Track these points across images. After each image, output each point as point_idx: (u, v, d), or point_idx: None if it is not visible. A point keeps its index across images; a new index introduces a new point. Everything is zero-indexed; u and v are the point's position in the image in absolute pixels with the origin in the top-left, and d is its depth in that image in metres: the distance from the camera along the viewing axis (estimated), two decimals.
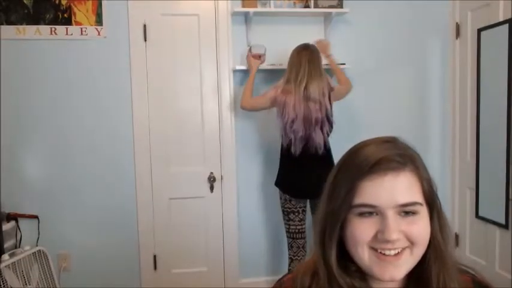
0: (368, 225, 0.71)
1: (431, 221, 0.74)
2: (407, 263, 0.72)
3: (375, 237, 0.71)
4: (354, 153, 0.76)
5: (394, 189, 0.70)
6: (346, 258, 0.76)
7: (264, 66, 2.82)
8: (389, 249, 0.71)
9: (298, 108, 2.40)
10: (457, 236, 3.12)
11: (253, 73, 2.69)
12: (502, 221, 2.61)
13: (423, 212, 0.73)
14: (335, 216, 0.74)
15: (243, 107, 2.66)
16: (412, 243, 0.71)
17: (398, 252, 0.71)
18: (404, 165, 0.72)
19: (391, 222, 0.70)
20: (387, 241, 0.70)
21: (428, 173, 0.76)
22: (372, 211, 0.71)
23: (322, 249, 0.76)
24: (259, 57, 2.72)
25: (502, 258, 2.66)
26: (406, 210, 0.71)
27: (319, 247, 0.77)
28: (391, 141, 0.76)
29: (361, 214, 0.72)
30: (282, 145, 2.56)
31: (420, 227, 0.72)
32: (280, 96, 2.46)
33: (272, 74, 2.92)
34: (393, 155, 0.72)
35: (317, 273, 0.77)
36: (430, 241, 0.74)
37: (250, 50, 2.74)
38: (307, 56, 2.46)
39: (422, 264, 0.75)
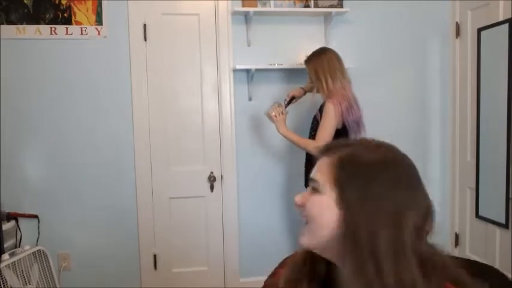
0: None
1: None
2: (308, 234, 0.80)
3: None
4: None
5: (317, 167, 0.82)
6: None
7: (264, 65, 2.82)
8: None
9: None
10: (457, 236, 3.12)
11: (289, 133, 2.46)
12: (502, 220, 2.61)
13: (320, 190, 0.78)
14: None
15: None
16: (307, 216, 0.80)
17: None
18: (330, 154, 0.81)
19: (302, 192, 0.83)
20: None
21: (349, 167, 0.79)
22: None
23: None
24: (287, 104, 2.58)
25: (502, 257, 2.66)
26: (311, 186, 0.81)
27: None
28: (370, 141, 0.84)
29: None
30: None
31: (313, 202, 0.79)
32: (342, 103, 2.33)
33: (271, 74, 2.92)
34: (331, 146, 0.83)
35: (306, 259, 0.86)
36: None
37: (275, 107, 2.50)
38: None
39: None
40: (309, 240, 0.80)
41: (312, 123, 2.53)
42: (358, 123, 2.42)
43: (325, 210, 0.76)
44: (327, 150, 0.82)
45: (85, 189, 2.80)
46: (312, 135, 2.47)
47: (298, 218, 0.82)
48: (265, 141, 2.99)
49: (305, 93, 2.67)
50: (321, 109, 2.42)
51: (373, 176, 0.75)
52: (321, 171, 0.79)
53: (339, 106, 2.32)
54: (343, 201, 0.75)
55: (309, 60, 2.47)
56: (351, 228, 0.73)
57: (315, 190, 0.79)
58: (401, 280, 0.70)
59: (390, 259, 0.70)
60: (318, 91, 2.45)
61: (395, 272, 0.70)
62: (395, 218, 0.72)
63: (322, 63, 2.39)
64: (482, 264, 1.10)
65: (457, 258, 0.91)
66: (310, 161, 2.50)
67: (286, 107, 2.56)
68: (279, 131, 2.46)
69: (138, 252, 2.88)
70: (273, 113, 2.46)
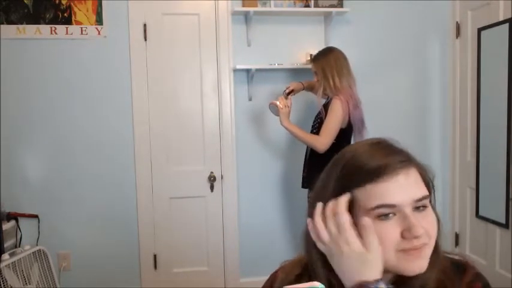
0: (392, 228, 0.71)
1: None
2: (428, 254, 0.73)
3: (401, 238, 0.71)
4: (351, 164, 0.74)
5: (408, 186, 0.72)
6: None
7: (264, 65, 2.82)
8: (416, 246, 0.71)
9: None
10: (457, 236, 3.12)
11: (292, 126, 2.44)
12: (503, 220, 2.61)
13: (428, 204, 0.74)
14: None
15: (326, 148, 2.34)
16: (429, 237, 0.72)
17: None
18: (409, 163, 0.74)
19: (413, 218, 0.70)
20: (415, 237, 0.70)
21: (423, 165, 0.78)
22: (390, 212, 0.70)
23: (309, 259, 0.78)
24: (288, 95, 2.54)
25: (503, 257, 2.66)
26: (419, 206, 0.72)
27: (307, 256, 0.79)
28: (383, 143, 0.77)
29: (379, 217, 0.71)
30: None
31: (431, 219, 0.74)
32: (349, 101, 2.36)
33: (271, 74, 2.92)
34: (396, 160, 0.73)
35: (305, 266, 0.80)
36: None
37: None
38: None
39: None
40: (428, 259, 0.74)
41: (315, 121, 2.53)
42: (363, 122, 2.46)
43: (435, 219, 0.75)
44: (400, 166, 0.72)
45: (85, 189, 2.80)
46: (314, 132, 2.47)
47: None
48: (266, 141, 2.99)
49: (303, 88, 2.67)
50: (325, 107, 2.42)
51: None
52: (419, 186, 0.73)
53: (346, 104, 2.34)
54: (432, 200, 0.77)
55: (316, 59, 2.49)
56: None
57: (425, 206, 0.73)
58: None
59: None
60: (324, 90, 2.43)
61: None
62: None
63: (330, 61, 2.41)
64: None
65: None
66: (311, 160, 2.49)
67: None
68: (282, 124, 2.45)
69: (138, 252, 2.88)
70: (278, 102, 2.46)
